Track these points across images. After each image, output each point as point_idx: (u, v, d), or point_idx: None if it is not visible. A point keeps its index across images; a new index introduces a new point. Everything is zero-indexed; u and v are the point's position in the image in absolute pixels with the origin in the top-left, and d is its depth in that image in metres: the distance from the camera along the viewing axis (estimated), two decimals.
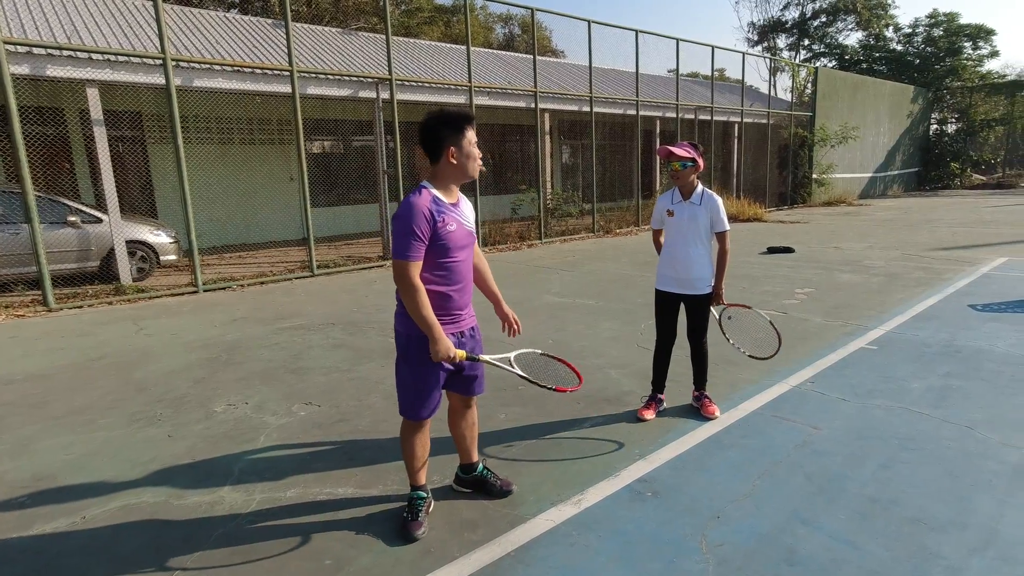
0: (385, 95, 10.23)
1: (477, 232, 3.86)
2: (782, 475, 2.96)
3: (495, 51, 19.44)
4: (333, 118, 12.31)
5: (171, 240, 9.27)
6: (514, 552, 2.43)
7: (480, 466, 2.92)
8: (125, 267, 8.46)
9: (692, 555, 2.37)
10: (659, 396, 3.82)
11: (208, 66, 8.78)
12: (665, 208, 3.74)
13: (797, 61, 29.01)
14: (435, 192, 2.41)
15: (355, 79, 10.25)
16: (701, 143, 16.95)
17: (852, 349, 4.88)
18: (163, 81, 7.69)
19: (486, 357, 2.58)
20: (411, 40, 16.97)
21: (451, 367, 2.54)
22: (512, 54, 18.59)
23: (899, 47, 31.63)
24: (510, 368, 2.57)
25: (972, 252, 9.58)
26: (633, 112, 14.67)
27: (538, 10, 12.15)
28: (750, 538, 2.46)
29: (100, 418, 3.91)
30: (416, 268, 2.34)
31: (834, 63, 32.32)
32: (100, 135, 7.97)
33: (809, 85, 20.31)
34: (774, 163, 19.30)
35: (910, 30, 31.75)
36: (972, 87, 28.36)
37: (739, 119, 17.96)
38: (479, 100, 11.72)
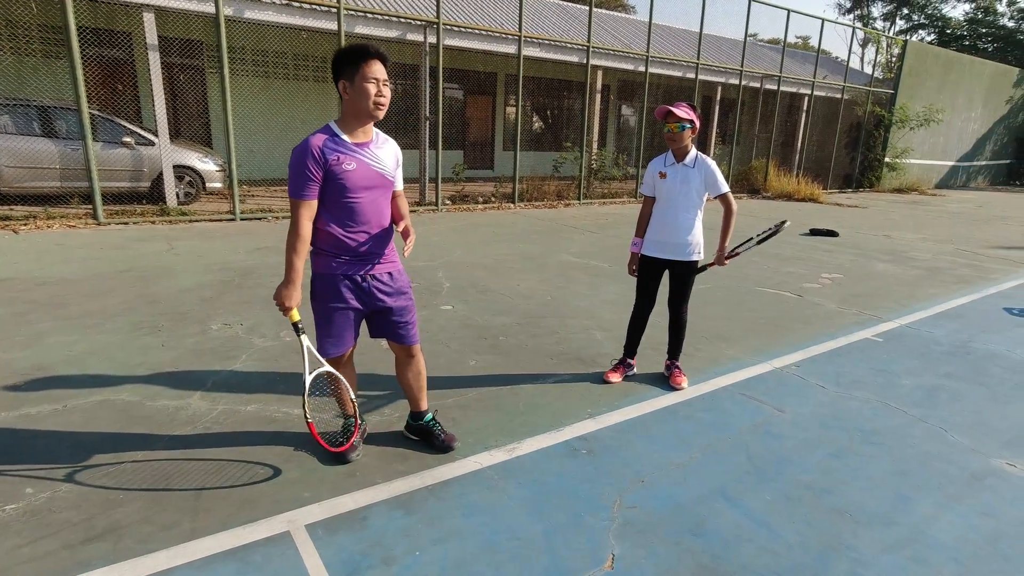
0: (432, 39, 10.15)
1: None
2: (724, 450, 2.94)
3: (560, 1, 18.79)
4: None
5: (218, 168, 9.64)
6: (432, 486, 2.54)
7: (429, 415, 2.87)
8: (171, 190, 8.91)
9: (600, 512, 2.42)
10: (629, 361, 3.80)
11: None
12: (657, 171, 3.63)
13: (891, 32, 26.75)
14: (337, 130, 2.37)
15: (403, 20, 10.19)
16: (764, 114, 16.16)
17: (855, 339, 4.68)
18: (213, 10, 7.88)
19: (307, 342, 2.48)
20: None
21: (352, 306, 2.49)
22: (577, 6, 17.92)
23: (1010, 23, 28.69)
24: (305, 372, 2.47)
25: None
26: (692, 75, 14.03)
27: None
28: (665, 505, 2.48)
29: (107, 323, 4.23)
30: (307, 207, 2.33)
31: (933, 37, 29.70)
32: (154, 60, 8.29)
33: (895, 59, 18.79)
34: (843, 142, 18.14)
35: None
36: None
37: (809, 91, 16.88)
38: (528, 51, 11.46)
